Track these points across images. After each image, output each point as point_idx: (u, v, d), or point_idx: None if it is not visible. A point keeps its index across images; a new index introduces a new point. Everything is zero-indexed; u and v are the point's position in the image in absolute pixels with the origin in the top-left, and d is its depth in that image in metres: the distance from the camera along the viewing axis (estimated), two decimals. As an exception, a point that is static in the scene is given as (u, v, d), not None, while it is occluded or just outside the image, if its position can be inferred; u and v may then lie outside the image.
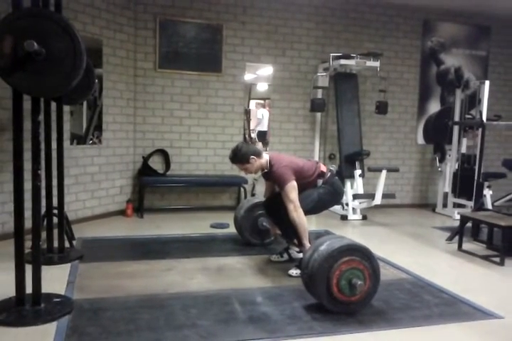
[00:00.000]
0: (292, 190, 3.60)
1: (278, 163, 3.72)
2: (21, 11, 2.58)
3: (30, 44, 2.37)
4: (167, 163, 6.07)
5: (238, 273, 3.75)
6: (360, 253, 3.00)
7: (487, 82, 6.13)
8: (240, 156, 3.73)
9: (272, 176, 3.78)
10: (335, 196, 3.98)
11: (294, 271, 3.67)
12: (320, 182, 3.84)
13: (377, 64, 6.18)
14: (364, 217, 6.03)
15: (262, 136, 7.39)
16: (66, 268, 3.71)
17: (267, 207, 4.15)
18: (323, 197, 3.84)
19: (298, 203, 3.59)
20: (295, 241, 3.93)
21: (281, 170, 3.66)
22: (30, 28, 2.48)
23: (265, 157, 3.80)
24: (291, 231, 3.78)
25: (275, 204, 3.88)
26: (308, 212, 3.68)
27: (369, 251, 3.04)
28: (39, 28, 2.49)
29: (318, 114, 6.57)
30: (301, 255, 3.85)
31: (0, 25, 2.49)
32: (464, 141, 6.66)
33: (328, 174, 3.90)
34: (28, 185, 2.78)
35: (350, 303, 2.97)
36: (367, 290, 3.00)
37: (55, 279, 3.39)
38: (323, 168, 3.90)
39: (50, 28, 2.50)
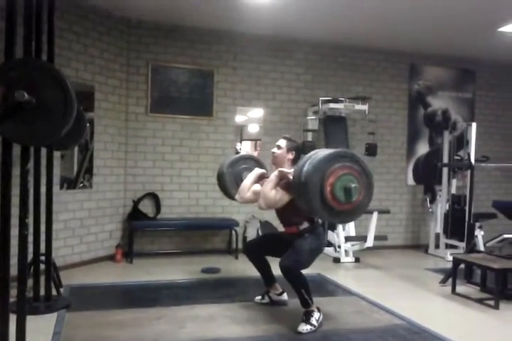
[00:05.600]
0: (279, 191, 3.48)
1: None
2: (13, 61, 2.63)
3: (20, 94, 2.40)
4: (157, 207, 6.03)
5: (229, 321, 3.64)
6: (348, 159, 3.14)
7: (474, 124, 6.24)
8: (292, 142, 3.79)
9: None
10: (320, 248, 3.81)
11: (304, 328, 3.44)
12: (306, 224, 3.67)
13: (365, 107, 6.29)
14: (357, 260, 5.97)
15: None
16: (52, 317, 3.60)
17: (249, 251, 4.02)
18: (313, 249, 3.66)
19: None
20: (276, 285, 4.01)
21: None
22: (22, 78, 2.51)
23: (292, 169, 3.65)
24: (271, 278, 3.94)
25: (258, 249, 3.94)
26: (303, 265, 3.58)
27: (356, 156, 3.22)
28: (30, 77, 2.52)
29: (309, 156, 6.60)
30: (282, 297, 4.00)
31: (-9, 76, 2.53)
32: (454, 182, 6.71)
33: (316, 222, 3.78)
34: (15, 231, 2.73)
35: (343, 212, 3.05)
36: (361, 199, 3.05)
37: (40, 330, 3.28)
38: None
39: (41, 78, 2.53)
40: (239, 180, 4.16)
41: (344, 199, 3.01)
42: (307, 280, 3.54)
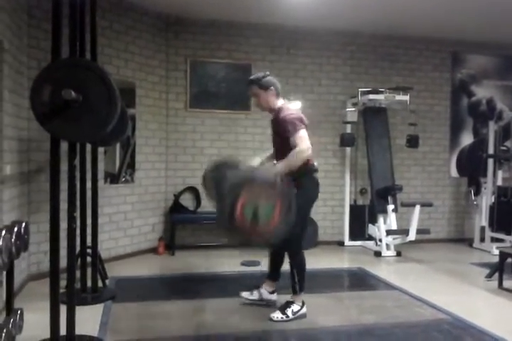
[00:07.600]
0: (305, 135, 3.32)
1: (287, 111, 3.45)
2: (60, 61, 2.71)
3: (67, 92, 2.47)
4: (198, 200, 6.12)
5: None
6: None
7: (521, 114, 6.04)
8: (262, 80, 3.45)
9: (280, 123, 3.44)
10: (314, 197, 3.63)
11: (276, 315, 3.49)
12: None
13: (406, 98, 6.17)
14: (398, 253, 5.89)
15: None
16: (99, 308, 3.72)
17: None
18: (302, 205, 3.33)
19: (309, 145, 3.33)
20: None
21: (292, 117, 3.39)
22: (68, 77, 2.59)
23: (280, 101, 3.55)
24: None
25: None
26: (297, 242, 3.49)
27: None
28: (76, 76, 2.60)
29: (348, 149, 6.54)
30: (273, 296, 3.80)
31: (40, 75, 2.61)
32: (500, 174, 6.52)
33: (312, 167, 3.61)
34: (63, 225, 2.83)
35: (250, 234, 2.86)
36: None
37: (88, 320, 3.39)
38: (312, 160, 3.61)
39: (86, 77, 2.60)
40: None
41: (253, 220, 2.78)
42: (304, 267, 3.52)
